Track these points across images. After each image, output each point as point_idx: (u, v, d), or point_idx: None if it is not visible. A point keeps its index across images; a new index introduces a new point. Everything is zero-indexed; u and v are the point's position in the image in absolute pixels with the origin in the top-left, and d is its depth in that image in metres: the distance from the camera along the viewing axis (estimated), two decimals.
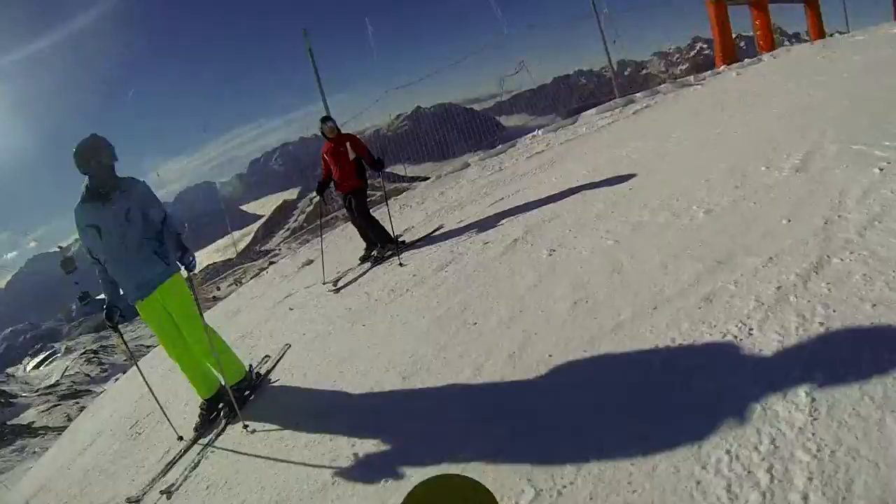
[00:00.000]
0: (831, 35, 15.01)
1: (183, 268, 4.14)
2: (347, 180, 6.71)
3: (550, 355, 2.99)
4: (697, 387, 2.38)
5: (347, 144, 6.63)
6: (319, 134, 6.97)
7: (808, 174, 4.35)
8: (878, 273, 2.77)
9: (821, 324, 2.52)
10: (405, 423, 3.15)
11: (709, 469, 1.94)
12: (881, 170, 4.08)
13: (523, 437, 2.51)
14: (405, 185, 11.69)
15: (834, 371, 2.18)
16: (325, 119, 6.85)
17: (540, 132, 10.07)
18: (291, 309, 6.48)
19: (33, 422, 46.79)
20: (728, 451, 1.98)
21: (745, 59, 12.66)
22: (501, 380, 3.04)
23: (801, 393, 2.12)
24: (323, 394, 4.07)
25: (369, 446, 3.11)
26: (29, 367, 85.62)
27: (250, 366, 4.82)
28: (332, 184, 6.95)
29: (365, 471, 2.91)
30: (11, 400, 56.54)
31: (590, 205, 5.02)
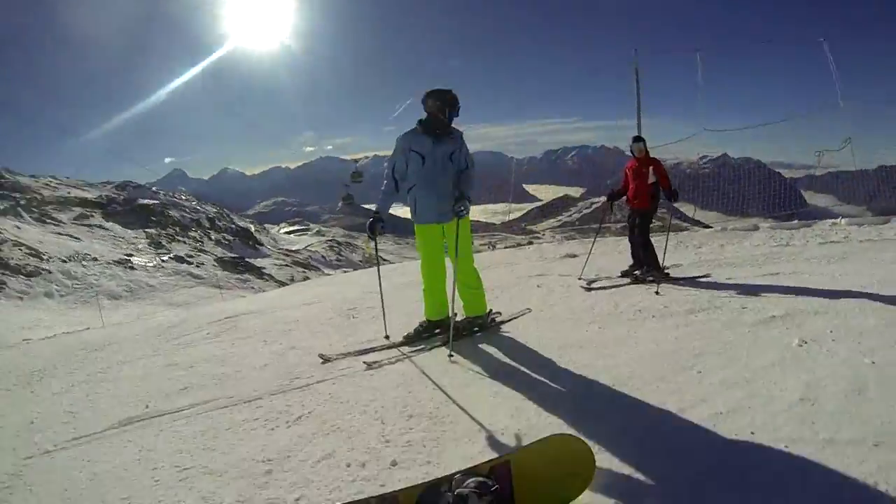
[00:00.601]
0: None
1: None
2: (641, 199, 7.04)
3: (753, 433, 3.07)
4: None
5: (651, 168, 6.92)
6: (626, 149, 7.33)
7: None
8: None
9: None
10: (586, 411, 3.53)
11: None
12: None
13: None
14: (687, 224, 11.58)
15: None
16: (638, 139, 7.17)
17: (843, 221, 9.31)
18: (539, 286, 7.02)
19: (265, 268, 55.06)
20: None
21: None
22: (698, 427, 3.22)
23: None
24: (532, 361, 4.56)
25: (530, 411, 3.63)
26: (283, 230, 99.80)
27: (490, 309, 5.51)
28: (624, 197, 7.33)
29: (507, 429, 3.43)
30: (258, 246, 67.18)
31: (864, 315, 4.68)
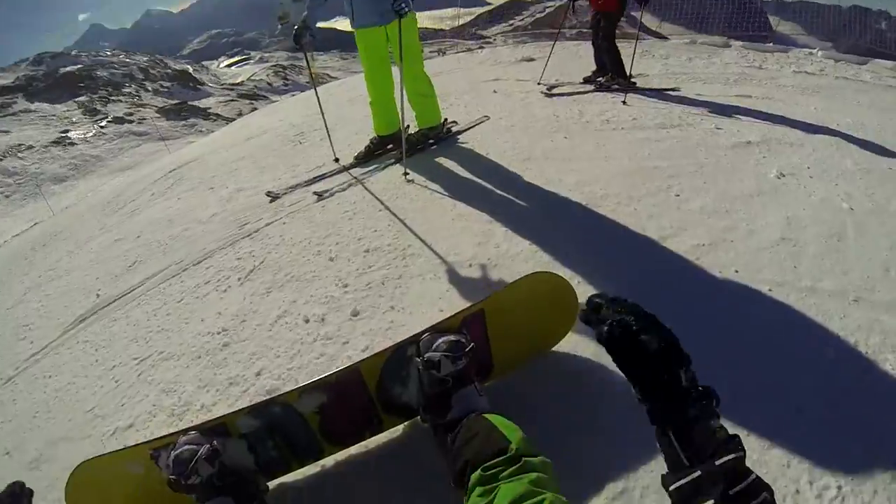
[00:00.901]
0: None
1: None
2: (604, 1, 6.36)
3: (737, 271, 2.92)
4: (819, 404, 2.30)
5: None
6: None
7: None
8: None
9: None
10: (558, 235, 3.30)
11: None
12: None
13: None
14: (649, 38, 10.92)
15: None
16: None
17: (819, 53, 8.98)
18: (495, 92, 6.47)
19: (210, 108, 51.15)
20: None
21: None
22: (680, 257, 3.07)
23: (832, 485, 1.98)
24: (495, 176, 4.20)
25: (498, 236, 3.35)
26: (223, 65, 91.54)
27: (445, 119, 5.01)
28: None
29: (474, 259, 3.17)
30: (199, 86, 61.66)
31: (841, 157, 4.46)
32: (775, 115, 5.34)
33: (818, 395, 2.24)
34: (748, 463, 0.93)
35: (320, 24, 4.51)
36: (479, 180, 4.12)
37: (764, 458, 2.01)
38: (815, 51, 9.10)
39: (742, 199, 3.63)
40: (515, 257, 3.09)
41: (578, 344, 2.43)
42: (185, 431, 1.84)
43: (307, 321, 2.92)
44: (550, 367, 2.41)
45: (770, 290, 2.81)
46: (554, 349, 2.43)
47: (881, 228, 3.42)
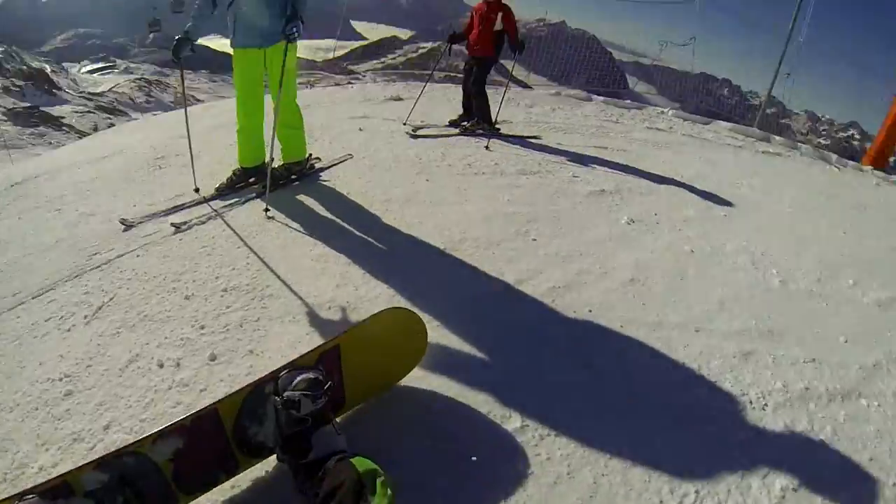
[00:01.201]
0: None
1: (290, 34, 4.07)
2: (482, 46, 6.62)
3: (590, 310, 3.15)
4: (695, 421, 2.59)
5: (500, 14, 6.48)
6: None
7: (891, 313, 4.26)
8: (889, 436, 2.88)
9: (823, 442, 2.68)
10: (417, 279, 3.35)
11: None
12: None
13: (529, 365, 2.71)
14: (514, 85, 11.46)
15: (814, 486, 2.39)
16: None
17: (670, 112, 9.84)
18: (361, 130, 6.54)
19: (64, 117, 47.40)
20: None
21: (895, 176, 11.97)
22: (536, 301, 3.22)
23: (777, 485, 2.33)
24: (356, 217, 4.23)
25: (357, 278, 3.35)
26: (84, 70, 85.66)
27: (310, 154, 4.96)
28: (465, 43, 6.87)
29: (333, 302, 3.17)
30: (55, 91, 56.95)
31: (684, 205, 5.01)
32: (629, 166, 5.85)
33: (667, 413, 2.55)
34: None
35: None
36: (339, 220, 4.13)
37: (627, 476, 2.22)
38: (665, 110, 9.98)
39: (596, 244, 3.96)
40: (374, 300, 3.12)
41: (425, 377, 2.55)
42: (20, 496, 1.68)
43: (161, 366, 2.74)
44: (399, 398, 2.48)
45: (622, 326, 3.10)
46: (401, 382, 2.52)
47: (717, 268, 3.97)
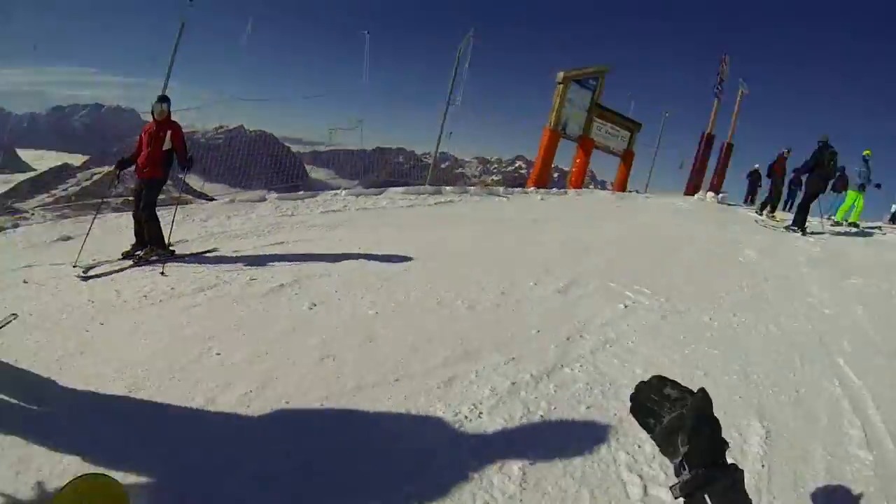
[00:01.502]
0: (630, 191, 17.75)
1: None
2: (150, 168, 6.27)
3: (287, 402, 3.04)
4: (420, 454, 2.66)
5: (169, 133, 6.25)
6: (147, 111, 6.47)
7: (567, 297, 5.18)
8: (598, 384, 3.55)
9: (542, 416, 3.10)
10: (103, 434, 2.95)
11: None
12: (625, 306, 4.96)
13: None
14: (191, 197, 11.08)
15: (546, 453, 2.71)
16: (163, 98, 6.37)
17: (343, 192, 10.26)
18: (26, 282, 5.78)
19: None
20: None
21: (554, 189, 14.24)
22: (231, 414, 3.00)
23: (514, 468, 2.57)
24: (25, 387, 3.66)
25: (41, 457, 2.86)
26: None
27: None
28: (134, 166, 6.47)
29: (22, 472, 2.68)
30: None
31: (364, 274, 5.29)
32: (307, 253, 6.02)
33: (386, 461, 2.59)
34: None
35: None
36: (7, 396, 3.48)
37: None
38: (339, 191, 10.32)
39: (281, 338, 3.90)
40: (62, 474, 2.61)
41: None
42: None
43: None
44: None
45: (321, 403, 3.06)
46: None
47: (404, 318, 4.33)
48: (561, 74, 15.45)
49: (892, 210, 21.59)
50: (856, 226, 14.04)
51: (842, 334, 5.29)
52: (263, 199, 10.01)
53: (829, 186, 12.69)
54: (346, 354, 3.61)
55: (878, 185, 14.27)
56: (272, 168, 15.63)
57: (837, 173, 15.13)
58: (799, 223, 12.18)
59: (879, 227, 15.57)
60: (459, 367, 3.56)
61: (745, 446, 3.14)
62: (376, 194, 10.36)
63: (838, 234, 12.71)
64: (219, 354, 3.65)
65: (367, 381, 3.28)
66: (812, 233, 12.23)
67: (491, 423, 2.96)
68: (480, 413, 3.03)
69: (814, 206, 12.18)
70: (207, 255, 6.35)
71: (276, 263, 5.64)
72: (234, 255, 6.20)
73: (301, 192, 10.51)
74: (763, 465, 2.99)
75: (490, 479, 2.50)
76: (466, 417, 2.98)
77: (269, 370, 3.38)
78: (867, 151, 14.13)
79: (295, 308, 4.42)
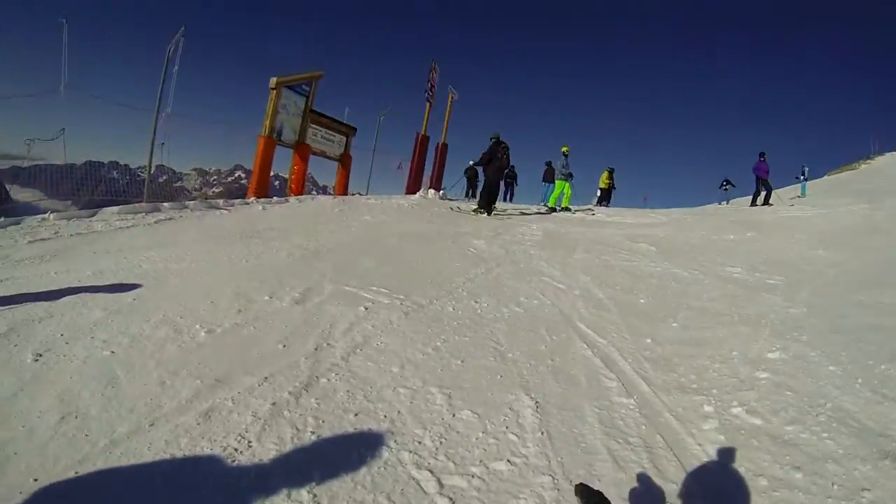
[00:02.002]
0: (353, 194, 18.44)
1: None
2: None
3: (36, 479, 2.66)
4: (204, 501, 2.54)
5: None
6: None
7: (306, 306, 5.24)
8: (359, 389, 3.70)
9: (312, 432, 3.14)
10: None
11: None
12: (366, 308, 5.20)
13: None
14: None
15: (330, 469, 2.78)
16: None
17: (51, 216, 9.04)
18: None
19: None
20: None
21: (275, 197, 14.12)
22: None
23: (303, 492, 2.60)
24: None
25: None
26: None
27: None
28: None
29: None
30: None
31: (89, 310, 4.73)
32: (19, 294, 5.12)
33: None
34: None
35: None
36: None
37: None
38: (47, 214, 9.06)
39: (9, 403, 3.28)
40: None
41: None
42: None
43: None
44: None
45: (76, 472, 2.71)
46: None
47: (147, 352, 4.04)
48: (274, 80, 15.24)
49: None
50: (568, 210, 16.81)
51: (577, 302, 6.18)
52: None
53: (504, 175, 15.45)
54: (90, 407, 3.21)
55: (571, 175, 17.14)
56: None
57: (545, 167, 18.30)
58: (483, 206, 14.49)
59: (589, 209, 18.68)
60: (214, 396, 3.43)
61: (520, 420, 3.46)
62: (89, 216, 9.23)
63: (559, 219, 14.80)
64: None
65: (121, 433, 2.97)
66: (496, 215, 14.33)
67: (263, 451, 2.90)
68: (249, 442, 2.97)
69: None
70: None
71: None
72: None
73: (2, 219, 9.09)
74: (542, 433, 3.32)
75: None
76: (237, 450, 2.90)
77: (3, 446, 2.83)
78: (565, 148, 17.17)
79: (17, 362, 3.75)
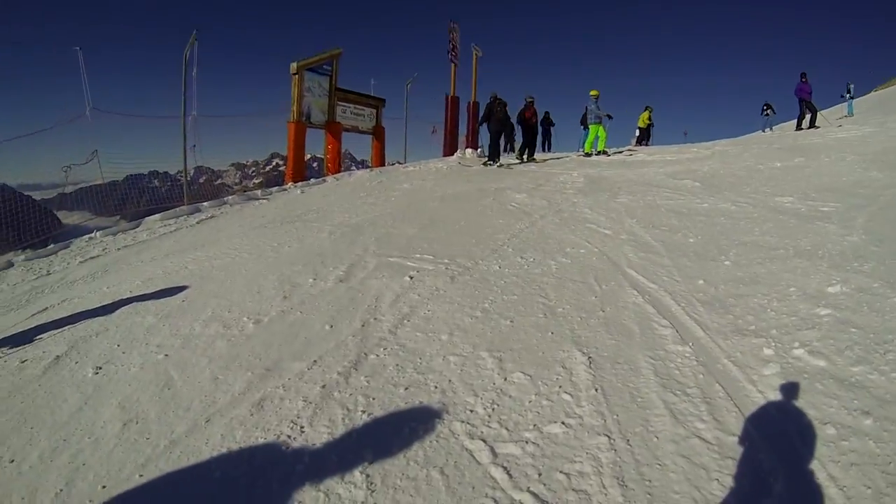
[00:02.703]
0: (392, 164, 18.44)
1: None
2: None
3: (104, 486, 2.78)
4: (260, 490, 2.58)
5: None
6: None
7: (350, 284, 5.24)
8: (408, 362, 3.68)
9: (363, 411, 3.14)
10: None
11: None
12: (411, 277, 5.16)
13: None
14: None
15: (382, 447, 2.78)
16: None
17: (98, 234, 9.38)
18: None
19: None
20: None
21: (312, 179, 14.24)
22: None
23: (356, 473, 2.60)
24: None
25: None
26: None
27: None
28: None
29: None
30: None
31: (141, 317, 4.91)
32: (76, 313, 5.38)
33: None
34: None
35: None
36: None
37: None
38: (93, 234, 9.41)
39: (74, 417, 3.45)
40: None
41: None
42: None
43: None
44: None
45: (140, 474, 2.81)
46: None
47: (198, 350, 4.15)
48: (294, 65, 15.24)
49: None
50: (605, 153, 16.47)
51: (624, 247, 6.02)
52: (11, 265, 8.81)
53: (511, 128, 16.12)
54: (149, 411, 3.35)
55: (610, 116, 16.77)
56: (18, 224, 13.80)
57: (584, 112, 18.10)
58: (493, 156, 15.83)
59: (629, 150, 18.23)
60: (265, 386, 3.49)
61: (573, 378, 3.36)
62: (134, 228, 9.59)
63: (598, 163, 14.57)
64: (13, 461, 3.21)
65: (179, 433, 3.08)
66: (537, 164, 14.40)
67: (315, 435, 2.94)
68: (302, 428, 3.02)
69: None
70: None
71: (46, 334, 4.94)
72: None
73: (52, 246, 9.41)
74: (596, 390, 3.21)
75: (336, 492, 2.49)
76: (290, 436, 2.95)
77: (72, 459, 3.01)
78: (594, 92, 16.78)
79: (80, 378, 3.95)
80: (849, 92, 24.67)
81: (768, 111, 26.71)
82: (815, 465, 2.44)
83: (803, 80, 18.86)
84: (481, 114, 16.31)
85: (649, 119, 25.31)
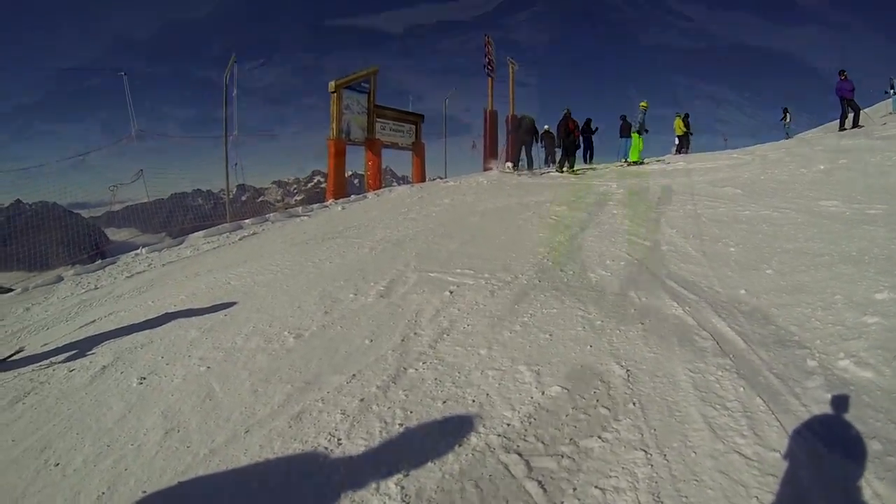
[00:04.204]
0: (434, 179, 18.65)
1: None
2: None
3: (144, 491, 2.88)
4: (296, 500, 2.63)
5: None
6: None
7: (391, 299, 5.30)
8: (447, 376, 3.69)
9: (401, 424, 3.17)
10: None
11: None
12: (451, 292, 5.17)
13: None
14: None
15: (418, 460, 2.79)
16: None
17: (143, 251, 9.70)
18: None
19: None
20: None
21: (353, 195, 14.46)
22: None
23: (391, 485, 2.62)
24: None
25: None
26: None
27: None
28: None
29: None
30: None
31: (184, 331, 5.08)
32: (122, 326, 5.61)
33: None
34: None
35: None
36: None
37: None
38: (140, 250, 9.73)
39: (118, 425, 3.60)
40: None
41: None
42: None
43: None
44: None
45: (179, 481, 2.90)
46: None
47: (239, 363, 4.25)
48: (332, 84, 15.66)
49: None
50: (641, 163, 16.43)
51: (664, 258, 5.99)
52: (61, 279, 9.16)
53: (534, 141, 18.19)
54: (190, 420, 3.47)
55: (647, 130, 16.75)
56: (67, 240, 14.31)
57: (620, 122, 18.29)
58: (514, 166, 17.45)
59: (666, 160, 18.11)
60: (304, 398, 3.56)
61: (611, 391, 3.31)
62: (178, 245, 9.93)
63: (638, 172, 14.57)
64: (58, 465, 3.34)
65: (219, 442, 3.17)
66: (578, 175, 14.41)
67: (353, 447, 2.99)
68: (339, 440, 3.06)
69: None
70: (14, 358, 5.75)
71: (93, 346, 5.17)
72: (44, 349, 5.61)
73: (99, 262, 9.76)
74: (634, 403, 3.16)
75: (369, 500, 2.53)
76: (327, 448, 3.00)
77: (115, 464, 3.15)
78: (643, 104, 16.64)
79: (124, 387, 4.13)
80: (892, 87, 23.66)
81: (785, 117, 25.74)
82: (861, 483, 2.34)
83: (842, 77, 18.06)
84: (510, 129, 18.54)
85: (686, 126, 24.76)
